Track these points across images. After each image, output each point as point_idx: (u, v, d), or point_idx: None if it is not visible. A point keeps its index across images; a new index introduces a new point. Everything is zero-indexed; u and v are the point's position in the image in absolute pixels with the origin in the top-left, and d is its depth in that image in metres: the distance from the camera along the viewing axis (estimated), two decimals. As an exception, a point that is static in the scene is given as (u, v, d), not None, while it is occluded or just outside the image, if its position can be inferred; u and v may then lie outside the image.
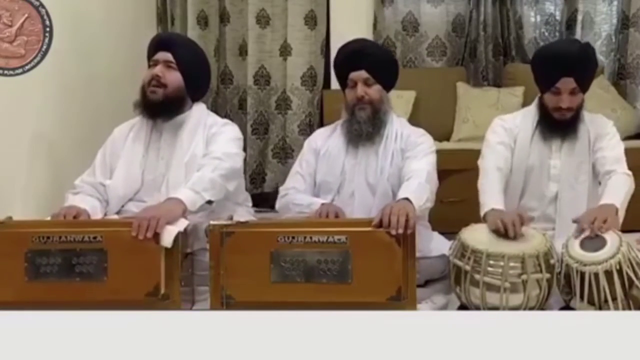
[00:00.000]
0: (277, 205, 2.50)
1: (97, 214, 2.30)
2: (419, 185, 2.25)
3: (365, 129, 2.42)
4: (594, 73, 2.40)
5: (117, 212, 2.37)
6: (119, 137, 2.48)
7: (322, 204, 2.31)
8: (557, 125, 2.35)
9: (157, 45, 2.46)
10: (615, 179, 2.24)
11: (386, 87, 2.48)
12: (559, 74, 2.27)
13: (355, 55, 2.45)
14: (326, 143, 2.53)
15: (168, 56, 2.39)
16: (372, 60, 2.43)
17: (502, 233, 2.05)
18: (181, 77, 2.41)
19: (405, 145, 2.45)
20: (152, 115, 2.42)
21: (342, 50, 2.52)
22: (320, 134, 2.63)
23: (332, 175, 2.46)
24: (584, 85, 2.31)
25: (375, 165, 2.44)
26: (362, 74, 2.41)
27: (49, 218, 2.20)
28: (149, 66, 2.44)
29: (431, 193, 2.30)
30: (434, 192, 2.35)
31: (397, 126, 2.50)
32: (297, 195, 2.44)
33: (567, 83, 2.27)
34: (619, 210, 2.12)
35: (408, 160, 2.40)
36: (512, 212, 2.14)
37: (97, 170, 2.44)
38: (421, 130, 2.54)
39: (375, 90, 2.43)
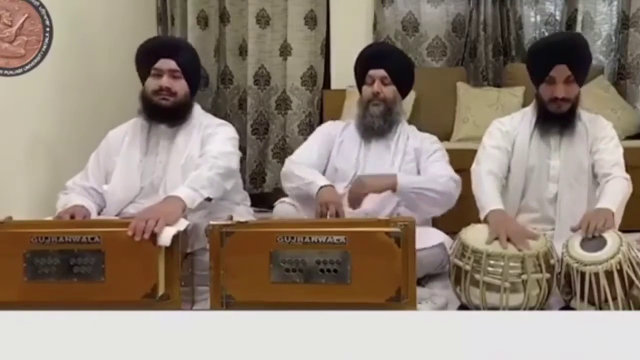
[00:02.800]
0: (282, 170, 2.59)
1: (94, 214, 2.31)
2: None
3: (377, 123, 2.57)
4: (588, 64, 2.40)
5: (116, 215, 2.37)
6: (114, 141, 2.47)
7: (321, 188, 2.35)
8: (555, 118, 2.34)
9: (156, 52, 2.42)
10: (612, 183, 2.23)
11: (401, 92, 2.63)
12: (553, 61, 2.28)
13: (378, 55, 2.63)
14: (342, 134, 2.67)
15: (172, 64, 2.38)
16: (392, 61, 2.60)
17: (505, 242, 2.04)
18: (186, 84, 2.42)
19: (420, 146, 2.60)
20: (161, 121, 2.42)
21: (366, 49, 2.69)
22: (335, 125, 2.77)
23: (347, 164, 2.58)
24: (578, 74, 2.31)
25: (387, 158, 2.57)
26: (381, 72, 2.56)
27: (50, 218, 2.20)
28: (149, 73, 2.40)
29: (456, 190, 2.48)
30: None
31: (409, 130, 2.67)
32: (300, 168, 2.49)
33: (561, 71, 2.27)
34: (615, 214, 2.11)
35: (429, 165, 2.55)
36: (518, 226, 2.14)
37: (89, 174, 2.44)
38: (434, 137, 2.69)
39: (390, 90, 2.57)
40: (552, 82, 2.29)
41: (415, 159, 2.58)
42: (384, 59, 2.59)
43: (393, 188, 2.37)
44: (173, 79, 2.38)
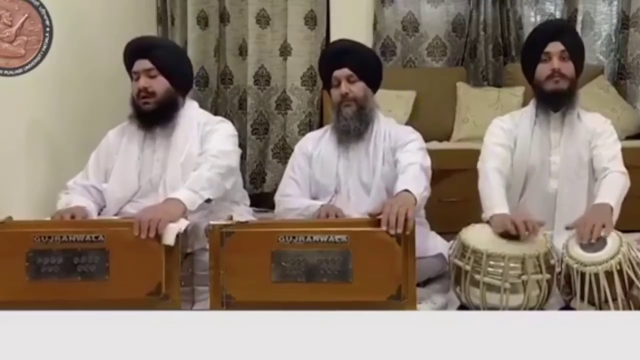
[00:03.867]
0: (275, 212, 2.54)
1: (94, 215, 2.31)
2: (415, 175, 2.27)
3: (352, 125, 2.45)
4: (581, 48, 2.44)
5: (115, 215, 2.37)
6: (113, 141, 2.48)
7: (322, 206, 2.32)
8: (554, 100, 2.36)
9: (132, 54, 2.43)
10: (609, 178, 2.23)
11: (371, 86, 2.51)
12: (547, 39, 2.35)
13: (338, 54, 2.50)
14: (318, 147, 2.56)
15: (146, 64, 2.37)
16: (355, 57, 2.47)
17: (513, 233, 2.04)
18: (166, 81, 2.39)
19: (394, 143, 2.47)
20: (150, 125, 2.41)
21: (326, 51, 2.60)
22: (310, 138, 2.65)
23: (328, 178, 2.49)
24: (572, 54, 2.35)
25: (367, 165, 2.47)
26: (345, 71, 2.44)
27: (48, 218, 2.20)
28: (131, 78, 2.43)
29: (427, 181, 2.32)
30: (429, 181, 2.35)
31: (385, 125, 2.53)
32: (292, 200, 2.45)
33: (555, 46, 2.34)
34: (614, 208, 2.11)
35: (401, 155, 2.41)
36: (519, 214, 2.13)
37: (90, 173, 2.44)
38: (409, 128, 2.57)
39: (359, 88, 2.45)
40: (547, 59, 2.34)
41: (393, 159, 2.44)
42: (345, 56, 2.46)
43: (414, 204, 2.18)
44: (149, 79, 2.37)
